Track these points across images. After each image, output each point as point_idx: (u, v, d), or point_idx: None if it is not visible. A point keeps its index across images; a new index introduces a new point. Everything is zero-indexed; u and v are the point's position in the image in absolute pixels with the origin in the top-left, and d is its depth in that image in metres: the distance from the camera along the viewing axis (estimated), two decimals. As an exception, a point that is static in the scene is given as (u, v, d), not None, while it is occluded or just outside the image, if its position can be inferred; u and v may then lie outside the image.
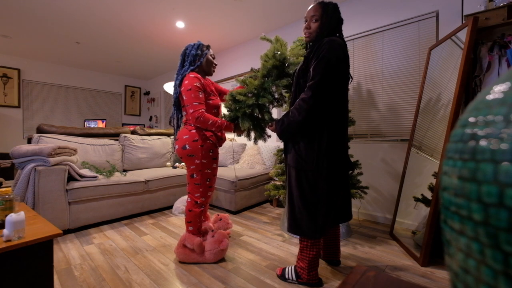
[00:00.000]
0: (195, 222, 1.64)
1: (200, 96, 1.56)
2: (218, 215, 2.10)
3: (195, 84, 1.54)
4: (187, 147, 1.58)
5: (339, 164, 1.35)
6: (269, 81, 1.49)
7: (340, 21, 1.37)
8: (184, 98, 1.56)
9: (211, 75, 1.76)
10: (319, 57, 1.24)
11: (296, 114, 1.29)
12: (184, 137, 1.60)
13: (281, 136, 1.40)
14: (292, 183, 1.37)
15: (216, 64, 1.75)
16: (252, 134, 1.65)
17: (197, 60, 1.65)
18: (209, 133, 1.62)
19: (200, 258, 1.63)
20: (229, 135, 3.84)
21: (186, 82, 1.56)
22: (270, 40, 1.69)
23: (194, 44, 1.68)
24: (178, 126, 1.72)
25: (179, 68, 1.68)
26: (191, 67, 1.63)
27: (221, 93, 1.93)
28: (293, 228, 1.38)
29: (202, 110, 1.54)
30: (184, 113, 1.69)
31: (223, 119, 1.65)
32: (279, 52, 1.51)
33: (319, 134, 1.30)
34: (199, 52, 1.65)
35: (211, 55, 1.71)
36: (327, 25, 1.32)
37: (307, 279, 1.38)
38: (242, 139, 3.83)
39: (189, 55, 1.65)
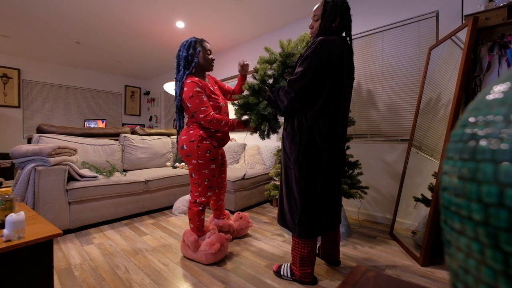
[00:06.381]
0: (194, 220, 1.67)
1: (204, 99, 1.56)
2: (239, 213, 2.11)
3: (195, 90, 1.53)
4: (185, 147, 1.61)
5: (322, 166, 1.31)
6: (258, 80, 1.55)
7: (344, 18, 1.32)
8: (189, 105, 1.55)
9: (210, 70, 1.72)
10: (304, 56, 1.27)
11: (272, 96, 1.42)
12: (183, 137, 1.64)
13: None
14: (282, 178, 1.47)
15: (213, 59, 1.69)
16: (261, 130, 1.64)
17: (191, 61, 1.59)
18: (206, 134, 1.62)
19: (193, 255, 1.65)
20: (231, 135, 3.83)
21: (186, 89, 1.54)
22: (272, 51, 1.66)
23: (185, 43, 1.61)
24: (181, 128, 1.71)
25: (176, 73, 1.64)
26: (187, 71, 1.59)
27: (225, 93, 1.89)
28: (280, 220, 1.49)
29: (212, 113, 1.57)
30: (186, 115, 1.69)
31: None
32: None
33: (300, 134, 1.32)
34: (191, 51, 1.58)
35: (206, 50, 1.63)
36: (326, 24, 1.31)
37: (298, 276, 1.39)
38: (241, 139, 3.83)
39: (182, 58, 1.59)
